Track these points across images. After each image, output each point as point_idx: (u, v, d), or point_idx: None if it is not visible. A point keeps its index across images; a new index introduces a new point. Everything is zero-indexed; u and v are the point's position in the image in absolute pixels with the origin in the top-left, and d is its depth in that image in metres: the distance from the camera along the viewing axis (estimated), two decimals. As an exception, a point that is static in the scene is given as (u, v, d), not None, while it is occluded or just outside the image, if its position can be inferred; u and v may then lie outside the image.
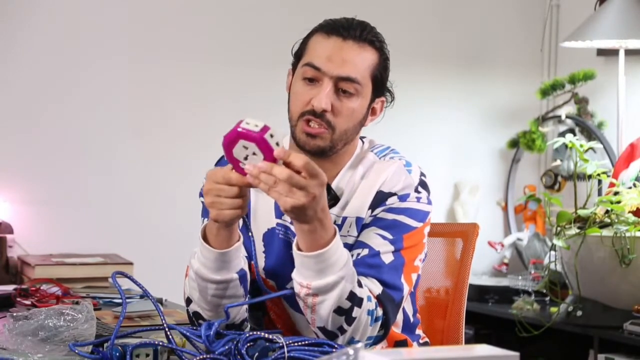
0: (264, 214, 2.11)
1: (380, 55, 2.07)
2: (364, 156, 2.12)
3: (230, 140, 1.79)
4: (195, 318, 2.00)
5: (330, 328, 1.90)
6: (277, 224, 2.09)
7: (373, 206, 2.05)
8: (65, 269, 3.10)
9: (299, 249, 1.87)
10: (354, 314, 1.89)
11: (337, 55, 2.02)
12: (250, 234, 1.99)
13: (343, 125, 2.03)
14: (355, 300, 1.89)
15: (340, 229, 2.06)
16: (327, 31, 2.05)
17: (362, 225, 2.05)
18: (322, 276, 1.86)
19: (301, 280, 1.88)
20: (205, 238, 1.93)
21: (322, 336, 1.93)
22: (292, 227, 2.05)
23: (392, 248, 2.00)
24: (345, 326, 1.90)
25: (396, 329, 2.17)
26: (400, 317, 2.17)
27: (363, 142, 2.16)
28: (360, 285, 1.92)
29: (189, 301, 2.00)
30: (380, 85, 2.08)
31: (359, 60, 2.03)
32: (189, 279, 1.99)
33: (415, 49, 4.26)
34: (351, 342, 1.92)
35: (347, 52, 2.02)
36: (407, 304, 2.19)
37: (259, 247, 2.10)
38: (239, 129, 1.79)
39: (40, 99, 3.64)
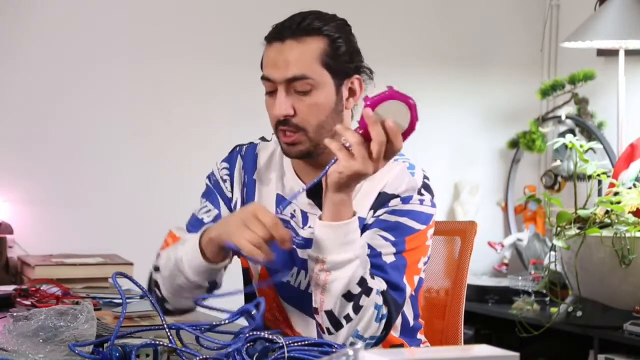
0: (266, 206, 2.11)
1: (329, 40, 2.04)
2: None
3: (383, 98, 1.82)
4: (153, 285, 2.08)
5: (337, 313, 1.90)
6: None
7: (375, 207, 2.05)
8: (65, 269, 3.10)
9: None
10: (361, 302, 1.89)
11: (280, 60, 2.02)
12: None
13: (313, 121, 2.03)
14: (364, 287, 1.89)
15: None
16: (269, 39, 2.06)
17: (363, 226, 2.04)
18: (341, 251, 1.87)
19: (318, 254, 1.88)
20: (201, 240, 1.97)
21: (326, 325, 1.91)
22: (291, 222, 2.09)
23: (393, 250, 2.00)
24: (352, 314, 1.90)
25: (394, 332, 2.16)
26: (398, 319, 2.16)
27: None
28: (372, 276, 1.93)
29: (156, 269, 2.07)
30: (340, 68, 2.05)
31: (301, 56, 2.01)
32: (167, 255, 2.04)
33: (415, 49, 4.27)
34: (355, 334, 1.91)
35: (288, 52, 2.02)
36: (406, 307, 2.18)
37: None
38: (395, 90, 1.82)
39: (40, 99, 3.64)
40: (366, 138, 1.82)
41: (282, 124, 2.03)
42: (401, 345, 2.16)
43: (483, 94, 4.39)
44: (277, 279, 2.06)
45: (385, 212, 2.03)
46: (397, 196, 2.04)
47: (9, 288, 2.60)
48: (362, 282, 1.89)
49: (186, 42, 3.85)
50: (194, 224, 2.16)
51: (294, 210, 2.12)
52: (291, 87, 2.02)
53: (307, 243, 2.06)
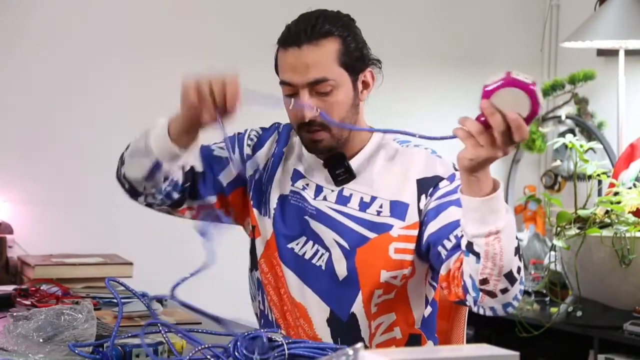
0: (284, 181, 2.22)
1: (342, 39, 2.11)
2: (386, 143, 2.20)
3: (498, 87, 1.75)
4: (120, 157, 2.32)
5: (514, 270, 1.90)
6: (290, 191, 2.20)
7: (426, 192, 2.12)
8: (65, 269, 3.10)
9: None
10: (520, 251, 1.93)
11: (299, 64, 2.09)
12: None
13: (336, 118, 2.11)
14: (516, 235, 1.92)
15: (368, 207, 2.14)
16: (284, 45, 2.13)
17: (431, 211, 2.09)
18: (502, 215, 1.85)
19: (488, 229, 1.84)
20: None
21: (501, 287, 1.90)
22: (302, 193, 2.17)
23: None
24: (520, 264, 1.91)
25: (416, 324, 2.20)
26: (420, 310, 2.21)
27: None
28: None
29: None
30: (354, 65, 2.13)
31: (320, 59, 2.09)
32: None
33: (415, 49, 4.26)
34: (521, 282, 1.92)
35: (307, 56, 2.09)
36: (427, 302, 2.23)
37: (272, 205, 2.20)
38: (512, 78, 1.74)
39: (40, 99, 3.64)
40: (488, 125, 1.78)
41: (306, 125, 2.11)
42: (419, 336, 2.20)
43: (483, 94, 4.39)
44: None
45: (441, 196, 2.10)
46: (442, 178, 2.12)
47: (9, 288, 2.60)
48: (515, 233, 1.91)
49: (186, 43, 3.85)
50: (202, 149, 2.24)
51: (307, 184, 2.19)
52: (313, 90, 2.09)
53: (319, 214, 2.15)
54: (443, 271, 2.04)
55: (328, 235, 2.15)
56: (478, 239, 1.86)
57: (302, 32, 2.09)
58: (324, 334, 2.14)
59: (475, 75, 4.38)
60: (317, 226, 2.16)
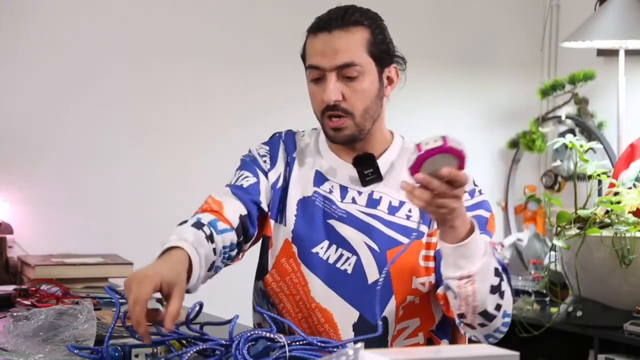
0: (303, 184, 2.21)
1: (371, 30, 2.15)
2: (407, 147, 2.21)
3: (418, 166, 1.78)
4: None
5: (490, 308, 1.96)
6: (315, 192, 2.19)
7: None
8: (65, 269, 3.10)
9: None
10: (502, 288, 1.97)
11: (328, 48, 2.12)
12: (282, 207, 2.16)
13: (360, 106, 2.13)
14: (498, 273, 1.97)
15: (397, 211, 2.16)
16: (314, 31, 2.15)
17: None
18: (476, 259, 1.91)
19: (460, 273, 1.92)
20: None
21: (479, 322, 1.97)
22: (329, 196, 2.17)
23: (488, 239, 2.11)
24: (500, 301, 1.97)
25: (433, 328, 2.21)
26: (439, 314, 2.21)
27: (403, 138, 2.27)
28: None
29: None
30: (381, 56, 2.17)
31: (350, 45, 2.12)
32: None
33: (415, 49, 4.24)
34: (504, 315, 1.98)
35: (336, 41, 2.12)
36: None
37: (291, 211, 2.18)
38: (420, 153, 1.77)
39: (41, 100, 3.64)
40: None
41: (330, 110, 2.12)
42: (431, 339, 2.21)
43: (483, 94, 4.39)
44: None
45: None
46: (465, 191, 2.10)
47: (9, 288, 2.60)
48: (496, 271, 1.96)
49: (186, 44, 3.85)
50: (234, 190, 2.17)
51: (332, 186, 2.19)
52: (340, 74, 2.11)
53: (349, 217, 2.15)
54: (440, 291, 2.08)
55: (357, 238, 2.15)
56: (451, 281, 1.93)
57: (333, 19, 2.13)
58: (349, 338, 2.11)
59: (475, 75, 4.38)
60: (344, 229, 2.16)
